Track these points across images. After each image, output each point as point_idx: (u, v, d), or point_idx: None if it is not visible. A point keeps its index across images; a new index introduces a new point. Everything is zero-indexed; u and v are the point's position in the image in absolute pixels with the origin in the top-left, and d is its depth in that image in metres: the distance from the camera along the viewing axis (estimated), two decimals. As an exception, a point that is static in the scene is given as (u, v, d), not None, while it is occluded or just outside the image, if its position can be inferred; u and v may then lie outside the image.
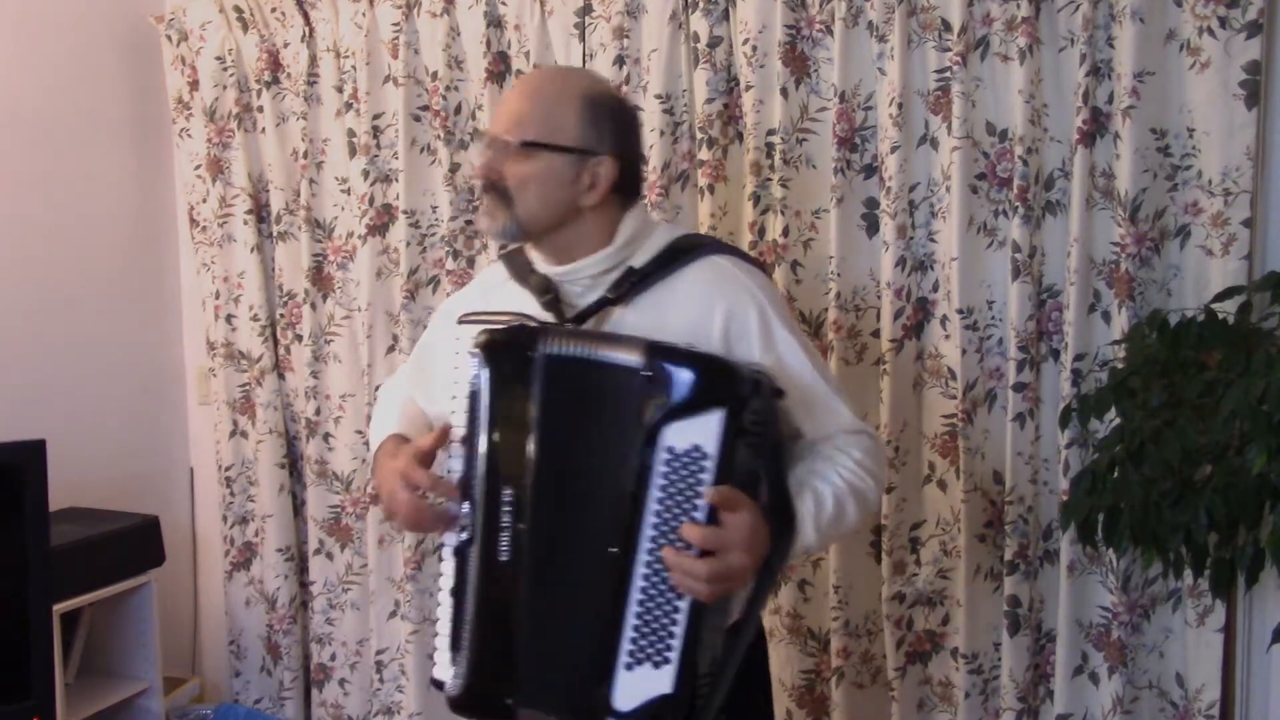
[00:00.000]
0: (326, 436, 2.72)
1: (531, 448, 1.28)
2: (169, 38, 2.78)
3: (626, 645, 1.24)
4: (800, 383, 1.39)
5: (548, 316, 1.41)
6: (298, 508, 2.81)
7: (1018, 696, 2.11)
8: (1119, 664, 2.03)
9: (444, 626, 1.36)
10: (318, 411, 2.71)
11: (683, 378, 1.21)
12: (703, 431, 1.20)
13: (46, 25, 2.62)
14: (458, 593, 1.34)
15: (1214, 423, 1.60)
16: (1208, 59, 1.92)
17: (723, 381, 1.22)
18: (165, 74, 2.82)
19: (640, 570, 1.23)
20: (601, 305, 1.40)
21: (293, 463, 2.81)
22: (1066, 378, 2.04)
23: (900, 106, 2.10)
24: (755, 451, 1.25)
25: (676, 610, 1.23)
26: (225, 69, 2.73)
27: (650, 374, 1.22)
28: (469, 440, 1.32)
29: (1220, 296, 1.81)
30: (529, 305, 1.43)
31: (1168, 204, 2.00)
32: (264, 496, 2.78)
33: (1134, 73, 1.94)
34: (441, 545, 1.39)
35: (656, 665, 1.23)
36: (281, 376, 2.79)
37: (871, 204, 2.19)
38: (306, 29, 2.64)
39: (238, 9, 2.69)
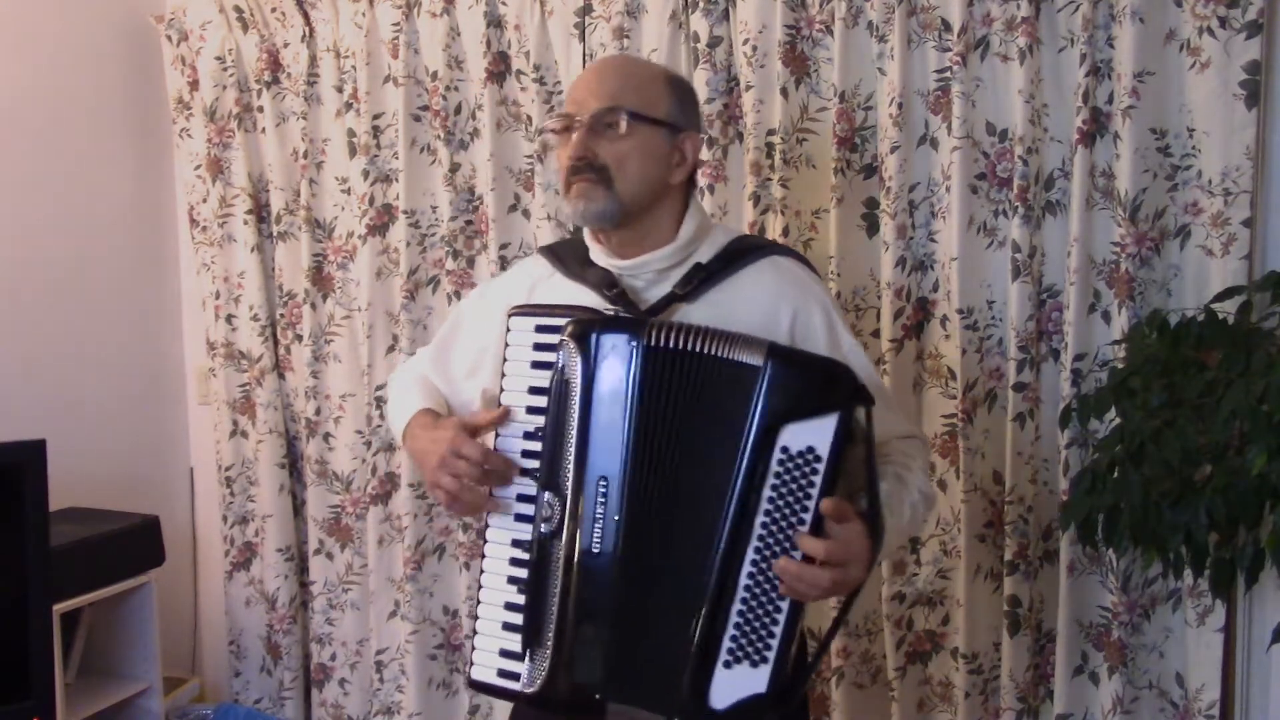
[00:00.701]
0: (326, 436, 2.72)
1: (627, 438, 1.27)
2: (169, 38, 2.78)
3: (727, 643, 1.24)
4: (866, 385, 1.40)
5: (613, 310, 1.40)
6: (298, 508, 2.81)
7: (1018, 696, 2.11)
8: (1119, 664, 2.03)
9: (495, 617, 1.33)
10: (318, 411, 2.71)
11: (803, 378, 1.23)
12: (818, 434, 1.21)
13: (47, 25, 2.62)
14: (536, 586, 1.30)
15: (1214, 423, 1.60)
16: (1208, 59, 1.92)
17: (840, 386, 1.24)
18: (165, 74, 2.82)
19: (746, 569, 1.23)
20: (670, 301, 1.41)
21: (293, 463, 2.81)
22: (1066, 378, 2.04)
23: (900, 106, 2.10)
24: (861, 457, 1.26)
25: (779, 610, 1.23)
26: (225, 69, 2.73)
27: (770, 373, 1.22)
28: (557, 429, 1.30)
29: (1220, 296, 1.82)
30: (588, 298, 1.42)
31: (1168, 204, 2.00)
32: (264, 496, 2.78)
33: (1134, 73, 1.94)
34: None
35: (754, 664, 1.23)
36: (281, 376, 2.79)
37: (871, 204, 2.19)
38: (306, 29, 2.64)
39: (238, 9, 2.69)
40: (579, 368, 1.28)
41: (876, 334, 2.20)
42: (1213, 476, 1.63)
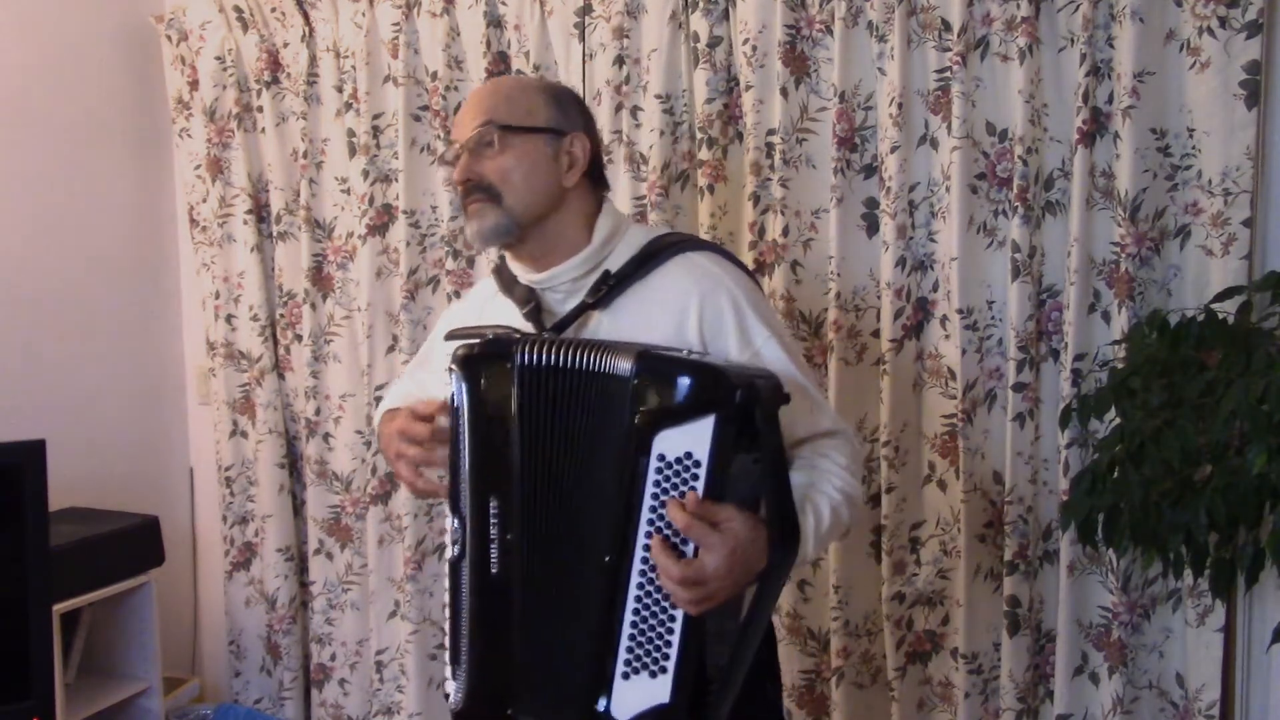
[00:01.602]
0: (326, 436, 2.72)
1: (515, 458, 1.28)
2: (169, 38, 2.78)
3: (622, 654, 1.23)
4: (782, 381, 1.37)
5: (530, 327, 1.40)
6: (298, 508, 2.81)
7: (1018, 696, 2.11)
8: (1119, 664, 2.03)
9: (448, 640, 1.37)
10: (318, 411, 2.71)
11: (673, 383, 1.19)
12: (695, 439, 1.17)
13: (47, 25, 2.62)
14: (453, 607, 1.34)
15: (1214, 423, 1.60)
16: (1208, 59, 1.92)
17: (714, 387, 1.19)
18: (165, 74, 2.82)
19: (634, 579, 1.22)
20: (580, 311, 1.40)
21: (293, 463, 2.81)
22: (1066, 378, 2.04)
23: (900, 106, 2.10)
24: (755, 458, 1.22)
25: (673, 619, 1.20)
26: (225, 69, 2.73)
27: (639, 381, 1.20)
28: (453, 455, 1.32)
29: (1220, 296, 1.81)
30: (514, 317, 1.43)
31: (1168, 204, 2.00)
32: (264, 496, 2.78)
33: (1134, 73, 1.94)
34: (443, 546, 1.39)
35: (653, 675, 1.21)
36: (281, 376, 2.79)
37: (871, 204, 2.19)
38: (306, 29, 2.64)
39: (238, 9, 2.69)
40: (464, 394, 1.31)
41: (876, 334, 2.20)
42: (1213, 476, 1.63)
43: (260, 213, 2.77)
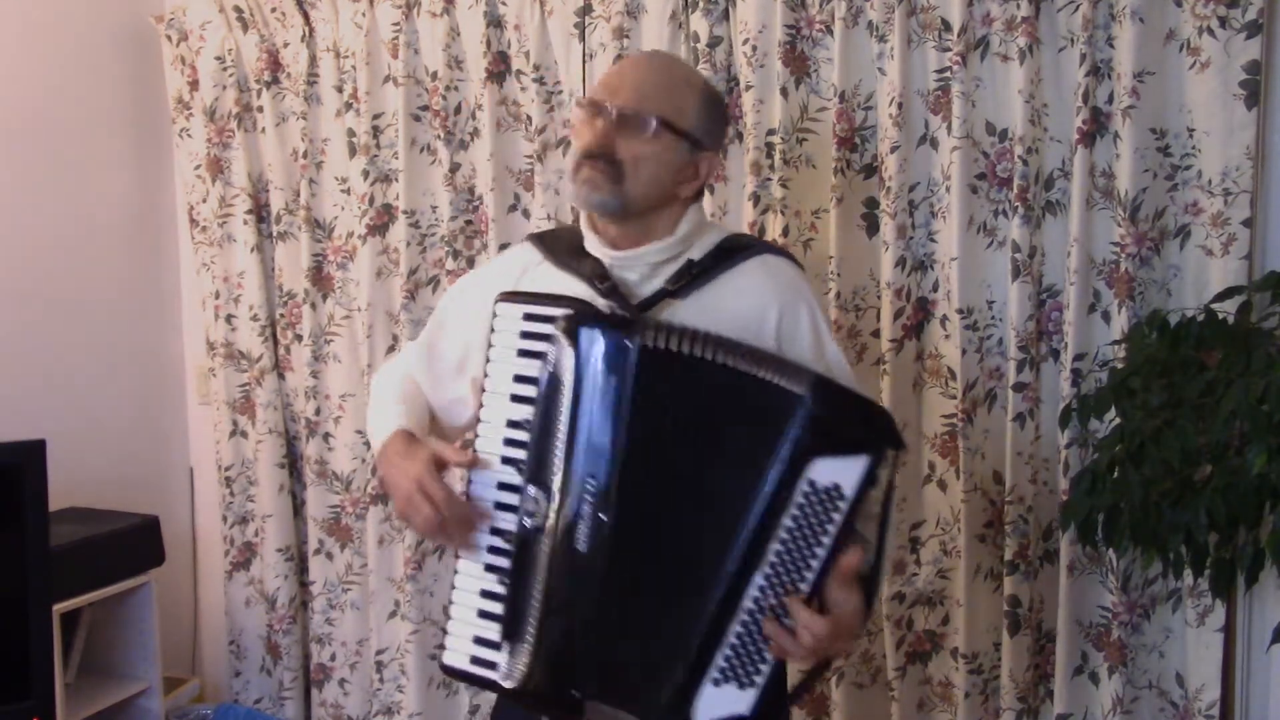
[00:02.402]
0: (326, 436, 2.72)
1: (621, 441, 1.24)
2: (169, 38, 2.78)
3: (719, 662, 1.23)
4: None
5: (604, 303, 1.38)
6: (298, 508, 2.81)
7: (1018, 696, 2.11)
8: (1119, 664, 2.03)
9: (470, 605, 1.31)
10: (318, 411, 2.71)
11: (844, 416, 1.21)
12: (846, 473, 1.19)
13: (47, 25, 2.62)
14: (517, 579, 1.28)
15: (1214, 423, 1.60)
16: (1208, 59, 1.92)
17: (877, 428, 1.22)
18: (165, 74, 2.82)
19: (752, 593, 1.22)
20: (661, 297, 1.40)
21: (293, 463, 2.80)
22: (1066, 378, 2.04)
23: (900, 106, 2.10)
24: (878, 507, 1.25)
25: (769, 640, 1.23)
26: (225, 69, 2.73)
27: (812, 405, 1.19)
28: (545, 425, 1.27)
29: (1220, 296, 1.82)
30: (578, 289, 1.40)
31: (1168, 204, 2.00)
32: (264, 496, 2.77)
33: (1134, 73, 1.94)
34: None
35: (742, 687, 1.23)
36: (281, 376, 2.79)
37: (871, 204, 2.19)
38: (306, 29, 2.64)
39: (238, 9, 2.69)
40: (571, 363, 1.26)
41: (876, 334, 2.20)
42: (1213, 476, 1.63)
43: (260, 213, 2.77)
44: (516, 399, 1.31)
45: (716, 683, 1.23)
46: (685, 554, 1.25)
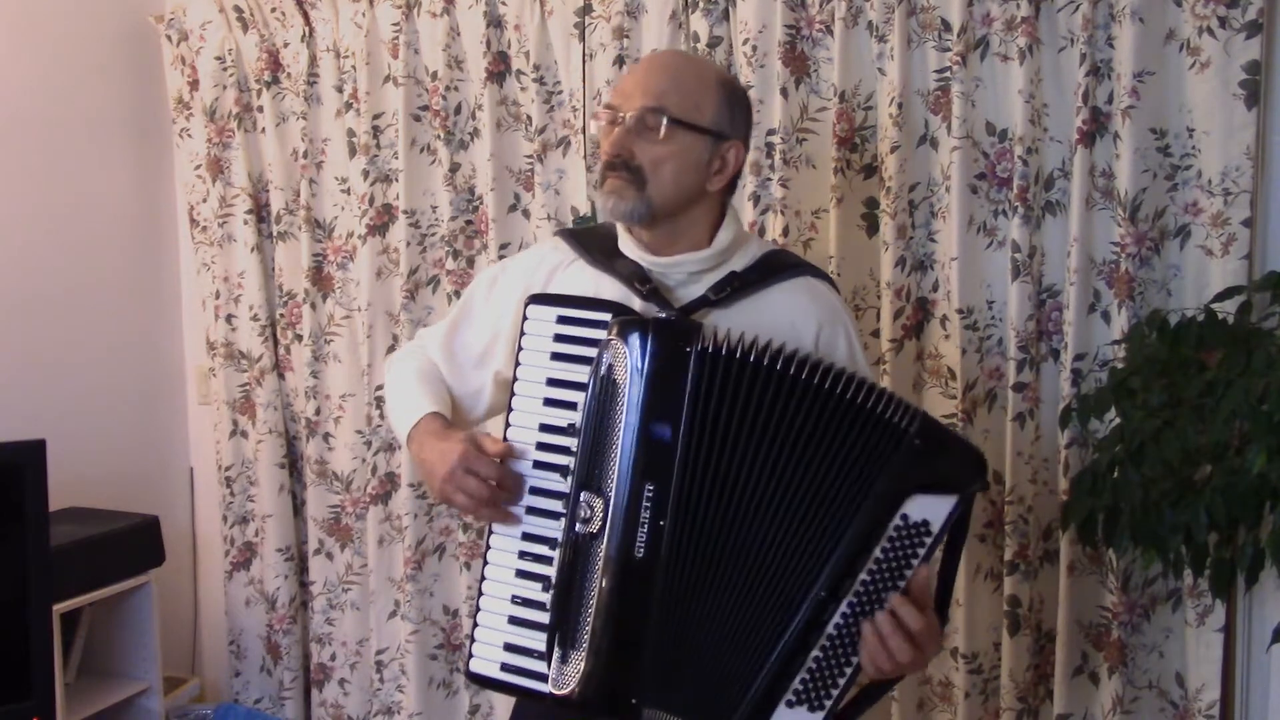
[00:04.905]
0: (326, 436, 2.72)
1: (682, 448, 1.23)
2: (169, 38, 2.78)
3: (796, 684, 1.24)
4: None
5: (644, 306, 1.37)
6: (298, 508, 2.81)
7: (1018, 696, 2.11)
8: (1119, 664, 2.03)
9: (500, 612, 1.30)
10: (318, 411, 2.71)
11: (947, 456, 1.24)
12: (937, 510, 1.22)
13: (47, 25, 2.62)
14: (569, 586, 1.26)
15: (1214, 423, 1.60)
16: (1208, 59, 1.92)
17: (973, 471, 1.25)
18: (165, 74, 2.82)
19: (835, 619, 1.23)
20: (702, 304, 1.39)
21: (293, 463, 2.81)
22: (1066, 378, 2.04)
23: (900, 106, 2.10)
24: (954, 541, 1.29)
25: (849, 664, 1.24)
26: (225, 69, 2.73)
27: (920, 442, 1.22)
28: (599, 430, 1.25)
29: (1220, 296, 1.81)
30: (614, 290, 1.40)
31: (1168, 204, 2.00)
32: (264, 496, 2.78)
33: (1134, 73, 1.94)
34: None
35: (813, 709, 1.24)
36: (281, 376, 2.79)
37: (871, 204, 2.19)
38: (306, 29, 2.64)
39: (238, 9, 2.69)
40: (627, 367, 1.23)
41: (876, 334, 2.20)
42: (1213, 476, 1.63)
43: (260, 213, 2.77)
44: (551, 403, 1.31)
45: (790, 704, 1.24)
46: (763, 571, 1.25)
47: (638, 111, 1.37)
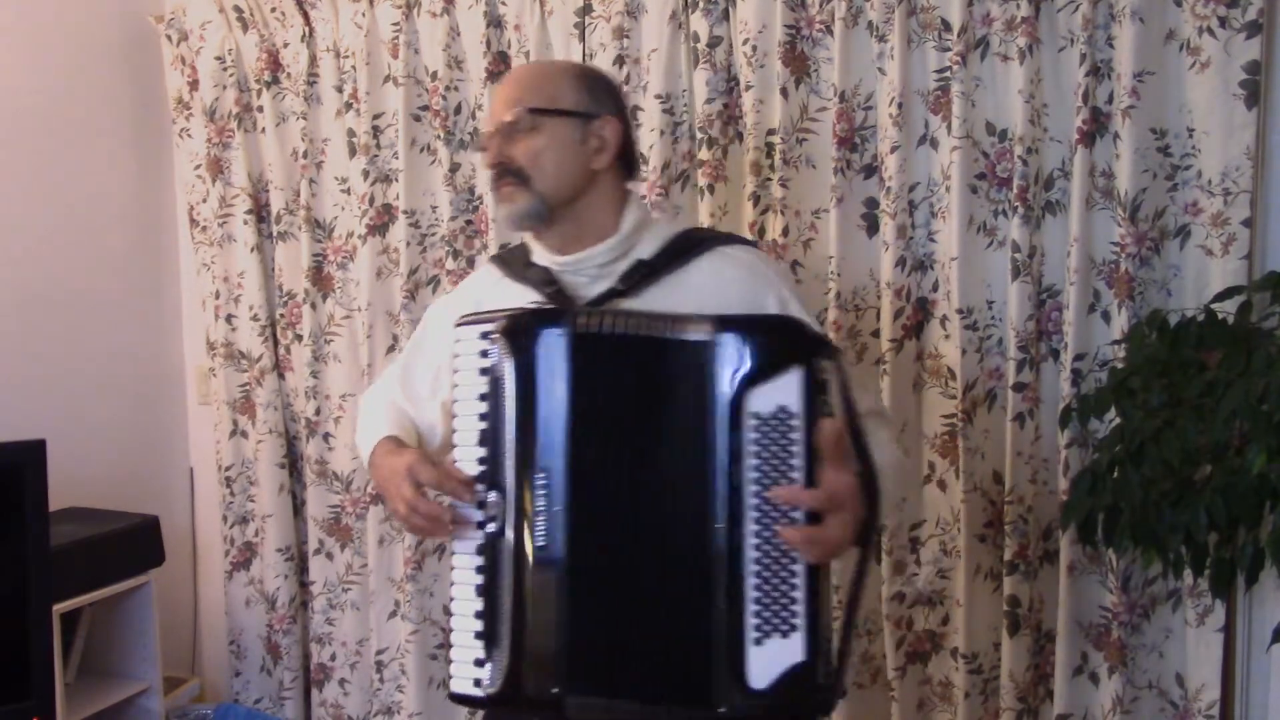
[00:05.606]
0: (326, 436, 2.72)
1: (564, 430, 1.25)
2: (169, 38, 2.78)
3: (751, 619, 1.21)
4: None
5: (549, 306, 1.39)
6: (298, 508, 2.81)
7: (1017, 696, 2.11)
8: (1119, 664, 2.03)
9: (465, 626, 1.30)
10: (318, 411, 2.71)
11: (756, 342, 1.22)
12: (785, 392, 1.20)
13: (47, 26, 2.62)
14: (489, 587, 1.28)
15: (1214, 423, 1.60)
16: (1208, 59, 1.92)
17: (795, 339, 1.24)
18: (165, 74, 2.82)
19: (751, 541, 1.21)
20: (610, 296, 1.39)
21: (293, 463, 2.81)
22: (1066, 378, 2.04)
23: (900, 106, 2.10)
24: (833, 410, 1.25)
25: (794, 575, 1.21)
26: (225, 69, 2.73)
27: (721, 345, 1.22)
28: (493, 428, 1.28)
29: (1220, 296, 1.81)
30: (530, 298, 1.42)
31: (1168, 204, 2.00)
32: (264, 496, 2.78)
33: (1134, 73, 1.94)
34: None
35: (785, 635, 1.20)
36: (281, 376, 2.79)
37: (871, 204, 2.19)
38: (306, 29, 2.64)
39: (238, 9, 2.69)
40: (509, 363, 1.27)
41: (876, 334, 2.20)
42: (1213, 476, 1.63)
43: (260, 213, 2.77)
44: (483, 417, 1.32)
45: (758, 641, 1.21)
46: (666, 531, 1.25)
47: (501, 118, 1.41)
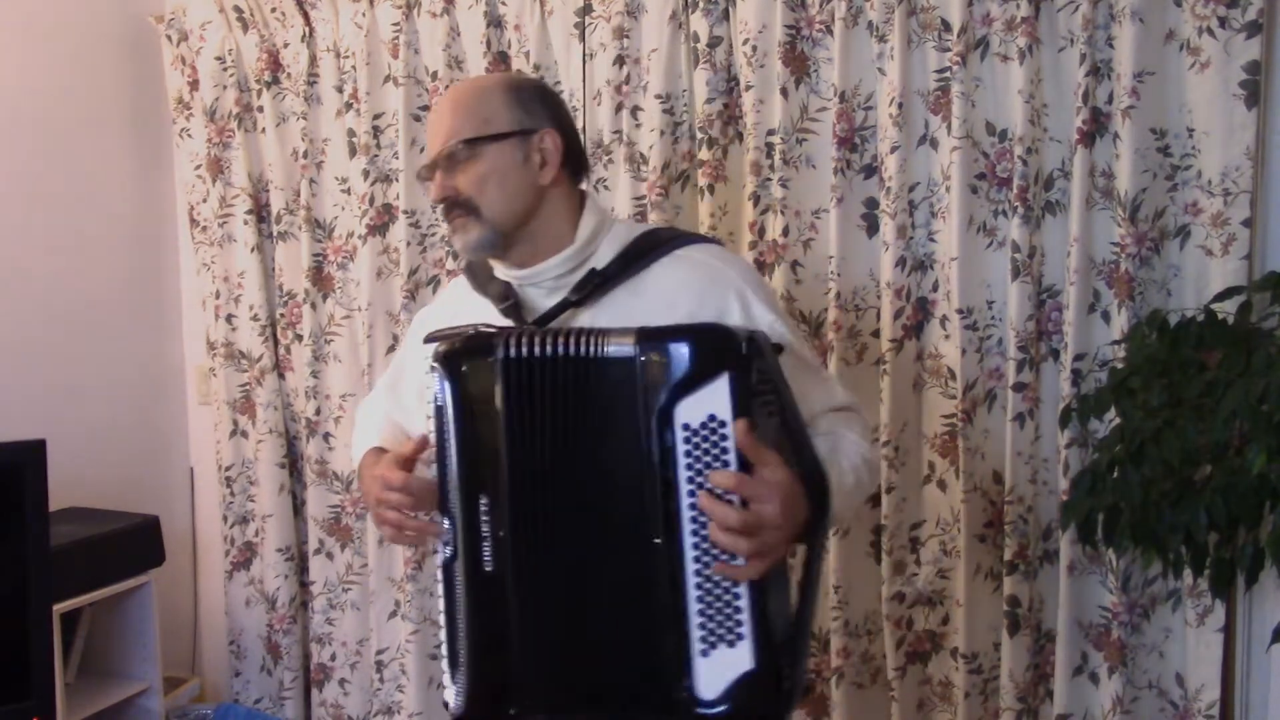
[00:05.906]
0: (326, 436, 2.72)
1: (503, 454, 1.25)
2: (169, 38, 2.78)
3: (696, 632, 1.20)
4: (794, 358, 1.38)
5: (508, 323, 1.39)
6: (298, 508, 2.81)
7: (1017, 696, 2.11)
8: (1119, 664, 2.03)
9: (443, 645, 1.33)
10: (318, 411, 2.71)
11: (680, 352, 1.19)
12: (714, 400, 1.18)
13: (47, 26, 2.62)
14: (449, 610, 1.31)
15: (1214, 423, 1.60)
16: (1208, 59, 1.92)
17: (720, 345, 1.20)
18: (165, 74, 2.82)
19: (690, 553, 1.20)
20: (563, 308, 1.39)
21: (293, 463, 2.81)
22: (1066, 378, 2.04)
23: (900, 106, 2.10)
24: (769, 411, 1.23)
25: (737, 584, 1.20)
26: (225, 69, 2.73)
27: (645, 358, 1.20)
28: (440, 456, 1.30)
29: (1220, 296, 1.82)
30: (490, 315, 1.42)
31: (1168, 204, 2.00)
32: (264, 496, 2.78)
33: (1134, 73, 1.94)
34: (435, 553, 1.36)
35: (731, 644, 1.19)
36: (281, 376, 2.79)
37: (871, 204, 2.19)
38: (306, 29, 2.64)
39: (238, 9, 2.69)
40: (447, 391, 1.27)
41: (876, 334, 2.20)
42: (1213, 476, 1.63)
43: (260, 213, 2.77)
44: (436, 439, 1.33)
45: (705, 653, 1.20)
46: (607, 550, 1.24)
47: (439, 154, 1.40)
